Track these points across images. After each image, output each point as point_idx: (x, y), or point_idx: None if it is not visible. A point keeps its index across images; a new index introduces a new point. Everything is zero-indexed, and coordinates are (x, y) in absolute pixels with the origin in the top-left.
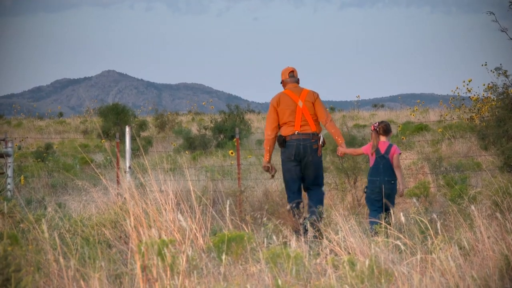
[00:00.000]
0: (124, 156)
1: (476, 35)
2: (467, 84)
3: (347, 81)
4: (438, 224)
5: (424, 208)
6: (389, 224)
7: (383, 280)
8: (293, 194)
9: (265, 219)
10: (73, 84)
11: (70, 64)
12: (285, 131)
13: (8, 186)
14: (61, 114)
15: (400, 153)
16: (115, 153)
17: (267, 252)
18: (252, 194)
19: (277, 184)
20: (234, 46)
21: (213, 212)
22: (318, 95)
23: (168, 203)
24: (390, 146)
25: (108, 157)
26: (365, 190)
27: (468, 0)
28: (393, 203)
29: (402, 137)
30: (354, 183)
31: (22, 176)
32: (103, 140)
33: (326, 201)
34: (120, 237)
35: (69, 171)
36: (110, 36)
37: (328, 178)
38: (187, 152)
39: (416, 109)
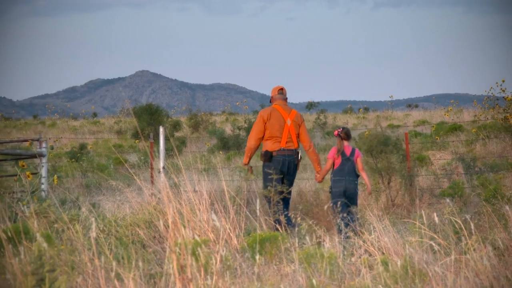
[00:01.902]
0: (158, 157)
1: (511, 35)
2: (501, 85)
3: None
4: (472, 225)
5: (458, 208)
6: (353, 224)
7: (417, 280)
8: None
9: (299, 219)
10: (107, 84)
11: (104, 64)
12: (271, 146)
13: (42, 186)
14: (95, 114)
15: (362, 156)
16: (149, 153)
17: (301, 252)
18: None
19: (311, 184)
20: (268, 46)
21: (247, 212)
22: (303, 119)
23: (202, 203)
24: (353, 149)
25: (142, 158)
26: (330, 190)
27: (503, 0)
28: (356, 202)
29: (436, 137)
30: (388, 183)
31: (55, 176)
32: (137, 141)
33: (360, 201)
34: (154, 237)
35: (103, 171)
36: (144, 37)
37: (362, 178)
38: (221, 152)
39: (450, 109)
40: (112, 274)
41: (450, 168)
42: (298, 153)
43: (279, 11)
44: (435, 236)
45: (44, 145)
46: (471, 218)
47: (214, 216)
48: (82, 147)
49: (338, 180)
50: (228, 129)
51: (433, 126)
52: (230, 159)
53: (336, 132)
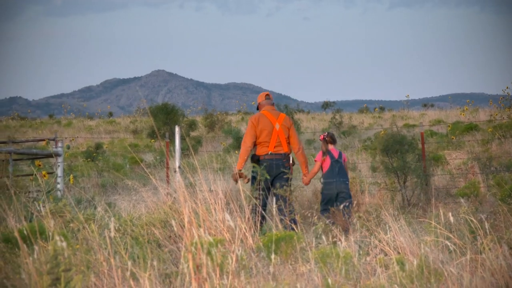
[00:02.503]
0: (173, 156)
1: None
2: None
3: (396, 81)
4: (488, 224)
5: (474, 208)
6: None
7: (432, 280)
8: (262, 200)
9: (315, 218)
10: (123, 84)
11: (120, 64)
12: (259, 151)
13: (58, 186)
14: (110, 114)
15: (347, 160)
16: (164, 153)
17: (316, 251)
18: (302, 194)
19: None
20: (284, 46)
21: (263, 212)
22: (293, 122)
23: (218, 203)
24: (340, 152)
25: (157, 157)
26: (322, 191)
27: None
28: (350, 196)
29: (452, 137)
30: (404, 183)
31: (71, 175)
32: (153, 140)
33: (375, 201)
34: (170, 236)
35: (119, 170)
36: (159, 36)
37: (378, 178)
38: (236, 151)
39: (466, 109)
40: (128, 274)
41: (466, 167)
42: (288, 157)
43: (294, 11)
44: (451, 235)
45: (60, 144)
46: (487, 217)
47: (227, 216)
48: (98, 146)
49: (329, 182)
50: (243, 129)
51: (449, 126)
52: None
53: (321, 137)
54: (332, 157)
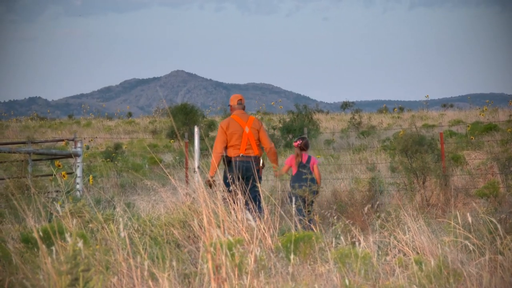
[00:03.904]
0: (192, 156)
1: None
2: None
3: (416, 81)
4: (507, 224)
5: (493, 208)
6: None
7: (451, 280)
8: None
9: (335, 218)
10: (142, 84)
11: (139, 64)
12: (231, 153)
13: (77, 186)
14: (130, 114)
15: (318, 162)
16: (183, 153)
17: (335, 252)
18: (321, 194)
19: (345, 184)
20: (303, 46)
21: (281, 212)
22: (262, 124)
23: (237, 203)
24: (309, 157)
25: (177, 157)
26: (289, 194)
27: None
28: (312, 203)
29: (471, 137)
30: (423, 183)
31: (90, 176)
32: (172, 140)
33: (394, 201)
34: (189, 237)
35: (138, 171)
36: (179, 36)
37: (397, 178)
38: None
39: (486, 109)
40: (147, 274)
41: (485, 168)
42: (259, 159)
43: (314, 11)
44: (470, 236)
45: (79, 145)
46: (506, 217)
47: (249, 216)
48: (117, 147)
49: (294, 186)
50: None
51: (468, 126)
52: (264, 159)
53: (296, 144)
54: (300, 162)
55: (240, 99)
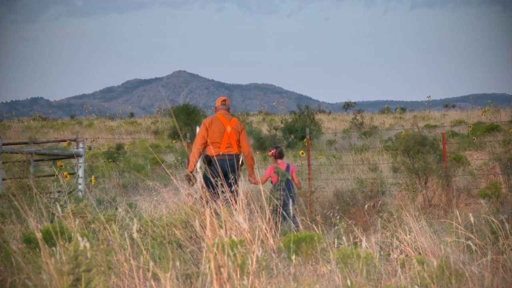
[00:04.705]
0: None
1: None
2: None
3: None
4: (509, 225)
5: (495, 208)
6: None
7: (453, 281)
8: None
9: (337, 217)
10: (144, 84)
11: (141, 64)
12: (211, 151)
13: (79, 187)
14: (132, 115)
15: (296, 169)
16: (186, 153)
17: (337, 252)
18: (323, 195)
19: (347, 184)
20: (305, 46)
21: (283, 213)
22: (243, 127)
23: (239, 204)
24: (288, 165)
25: (179, 158)
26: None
27: None
28: (294, 202)
29: (473, 138)
30: (425, 183)
31: (92, 176)
32: (174, 141)
33: (396, 201)
34: (191, 237)
35: (140, 171)
36: (181, 37)
37: (399, 179)
38: (257, 152)
39: (488, 109)
40: (149, 274)
41: (487, 168)
42: (238, 158)
43: (316, 11)
44: (472, 236)
45: (81, 145)
46: (508, 218)
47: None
48: (119, 147)
49: (275, 195)
50: (264, 129)
51: (470, 126)
52: (266, 159)
53: (270, 153)
54: (279, 170)
55: (224, 100)
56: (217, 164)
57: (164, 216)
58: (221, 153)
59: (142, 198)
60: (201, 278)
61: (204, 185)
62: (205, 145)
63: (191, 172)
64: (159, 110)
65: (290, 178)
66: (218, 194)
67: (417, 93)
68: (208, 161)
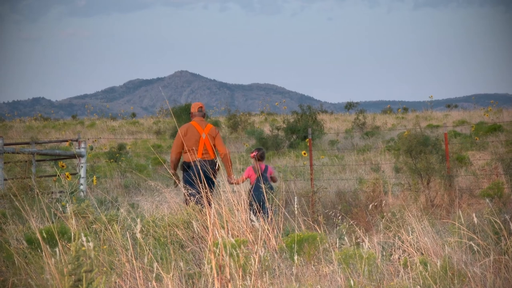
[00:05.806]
0: None
1: None
2: None
3: (420, 82)
4: None
5: (497, 208)
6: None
7: (456, 281)
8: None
9: (339, 218)
10: (146, 84)
11: (143, 64)
12: (189, 158)
13: (81, 187)
14: (134, 115)
15: (274, 170)
16: None
17: (339, 252)
18: (325, 195)
19: (349, 185)
20: (308, 46)
21: (286, 213)
22: (218, 131)
23: (241, 204)
24: (266, 167)
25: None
26: (250, 198)
27: None
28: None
29: (476, 138)
30: (428, 183)
31: (94, 176)
32: None
33: (399, 201)
34: (193, 237)
35: (142, 171)
36: (183, 37)
37: (401, 179)
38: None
39: (490, 110)
40: (151, 275)
41: (489, 168)
42: (215, 163)
43: (319, 11)
44: (474, 236)
45: (83, 145)
46: (511, 218)
47: (253, 217)
48: (121, 147)
49: (255, 195)
50: (266, 129)
51: (472, 126)
52: (269, 159)
53: (252, 155)
54: (258, 172)
55: (201, 107)
56: (195, 169)
57: (166, 217)
58: (198, 159)
59: (144, 198)
60: (203, 278)
61: (186, 189)
62: (181, 153)
63: (175, 172)
64: (161, 110)
65: (268, 178)
66: (200, 194)
67: (420, 93)
68: (187, 166)
